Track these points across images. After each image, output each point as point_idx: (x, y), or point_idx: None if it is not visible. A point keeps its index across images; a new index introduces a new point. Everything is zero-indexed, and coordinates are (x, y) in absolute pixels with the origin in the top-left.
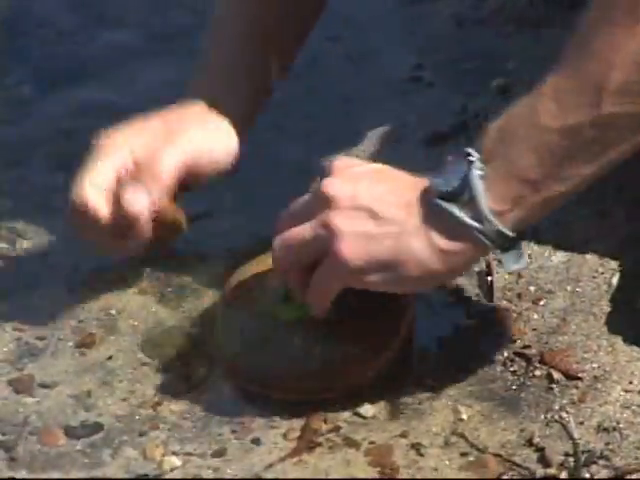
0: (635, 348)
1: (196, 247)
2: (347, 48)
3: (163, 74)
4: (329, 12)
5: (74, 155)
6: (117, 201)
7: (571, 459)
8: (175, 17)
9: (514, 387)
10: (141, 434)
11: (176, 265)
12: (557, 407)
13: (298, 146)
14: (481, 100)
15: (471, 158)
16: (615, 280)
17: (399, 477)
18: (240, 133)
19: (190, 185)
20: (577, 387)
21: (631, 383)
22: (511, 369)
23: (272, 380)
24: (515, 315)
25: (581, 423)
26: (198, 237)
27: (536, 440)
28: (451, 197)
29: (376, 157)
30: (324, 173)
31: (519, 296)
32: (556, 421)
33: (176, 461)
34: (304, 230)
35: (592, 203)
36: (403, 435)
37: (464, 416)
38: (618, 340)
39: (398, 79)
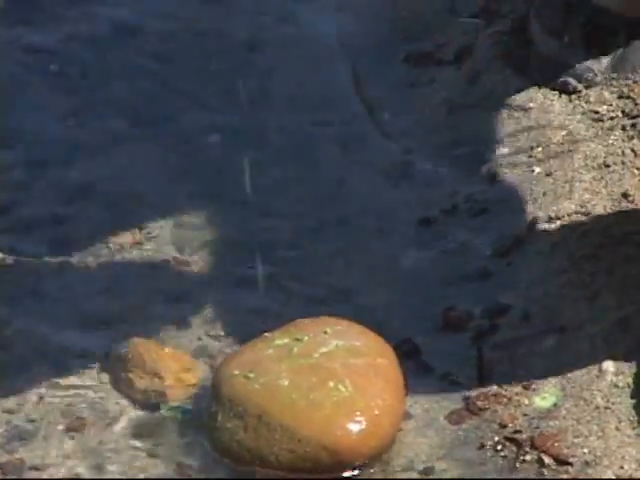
0: (626, 433)
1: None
2: (337, 132)
3: (150, 158)
4: (319, 96)
5: (66, 239)
6: None
7: None
8: (162, 102)
9: (505, 471)
10: None
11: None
12: None
13: (287, 229)
14: (471, 186)
15: None
16: (606, 365)
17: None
18: None
19: None
20: (568, 472)
21: (622, 468)
22: (502, 454)
23: (266, 461)
24: (506, 400)
25: None
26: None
27: None
28: None
29: None
30: None
31: (510, 381)
32: None
33: None
34: None
35: (583, 287)
36: None
37: None
38: (609, 425)
39: (388, 164)
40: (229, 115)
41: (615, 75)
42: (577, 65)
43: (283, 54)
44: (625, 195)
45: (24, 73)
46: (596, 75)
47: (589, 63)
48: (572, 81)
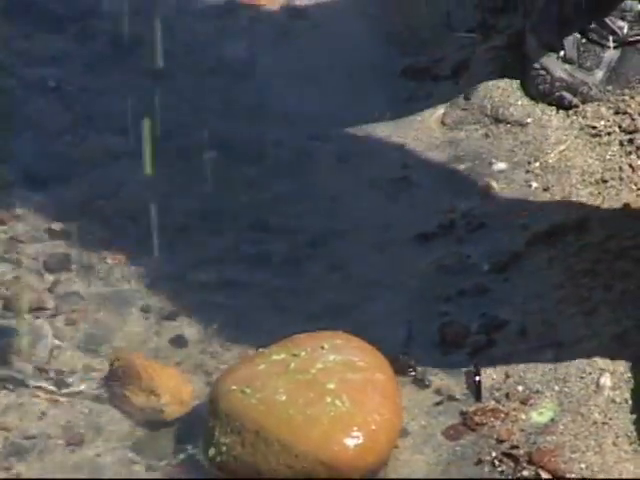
0: (623, 448)
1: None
2: (335, 147)
3: (148, 174)
4: (316, 111)
5: (64, 255)
6: None
7: None
8: (159, 118)
9: None
10: None
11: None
12: None
13: (285, 243)
14: (468, 201)
15: None
16: (603, 380)
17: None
18: None
19: None
20: None
21: None
22: (499, 469)
23: (263, 476)
24: (503, 415)
25: None
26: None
27: None
28: None
29: None
30: None
31: (507, 396)
32: None
33: None
34: None
35: (580, 302)
36: None
37: None
38: (606, 440)
39: (385, 179)
40: (226, 131)
41: (610, 88)
42: (572, 79)
43: (280, 69)
44: (623, 210)
45: (22, 88)
46: (591, 89)
47: (583, 77)
48: (567, 95)
